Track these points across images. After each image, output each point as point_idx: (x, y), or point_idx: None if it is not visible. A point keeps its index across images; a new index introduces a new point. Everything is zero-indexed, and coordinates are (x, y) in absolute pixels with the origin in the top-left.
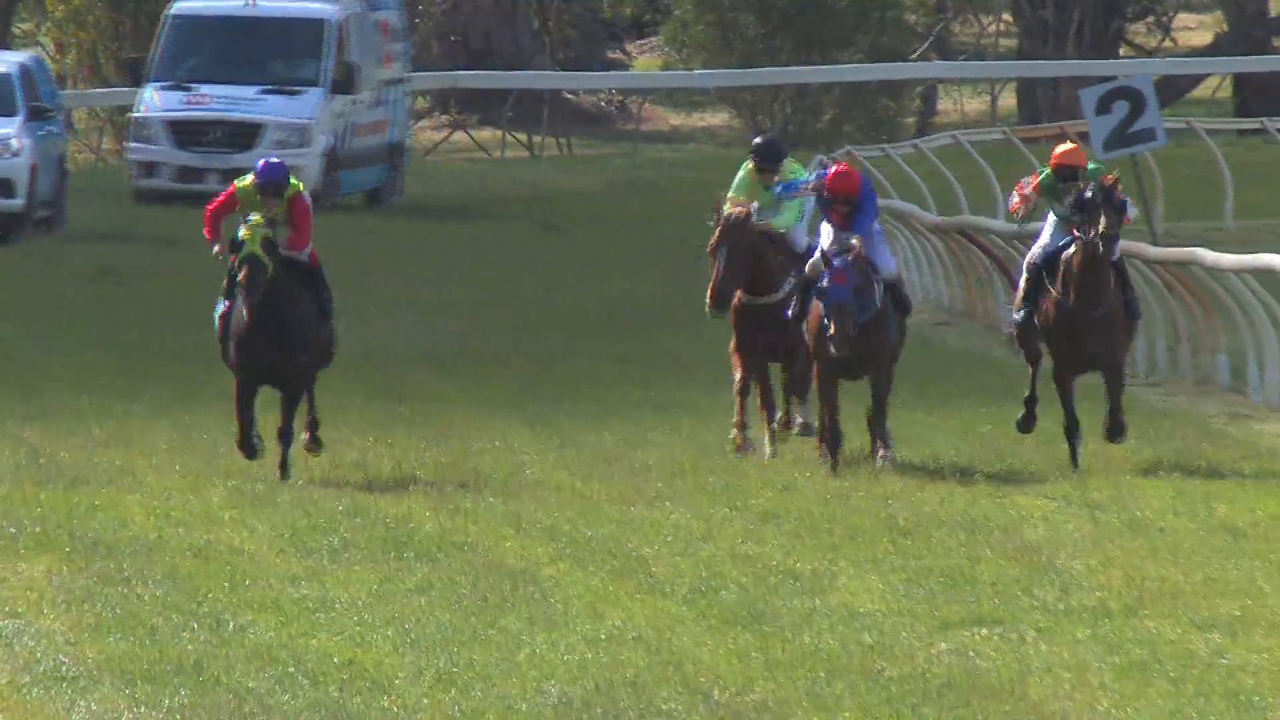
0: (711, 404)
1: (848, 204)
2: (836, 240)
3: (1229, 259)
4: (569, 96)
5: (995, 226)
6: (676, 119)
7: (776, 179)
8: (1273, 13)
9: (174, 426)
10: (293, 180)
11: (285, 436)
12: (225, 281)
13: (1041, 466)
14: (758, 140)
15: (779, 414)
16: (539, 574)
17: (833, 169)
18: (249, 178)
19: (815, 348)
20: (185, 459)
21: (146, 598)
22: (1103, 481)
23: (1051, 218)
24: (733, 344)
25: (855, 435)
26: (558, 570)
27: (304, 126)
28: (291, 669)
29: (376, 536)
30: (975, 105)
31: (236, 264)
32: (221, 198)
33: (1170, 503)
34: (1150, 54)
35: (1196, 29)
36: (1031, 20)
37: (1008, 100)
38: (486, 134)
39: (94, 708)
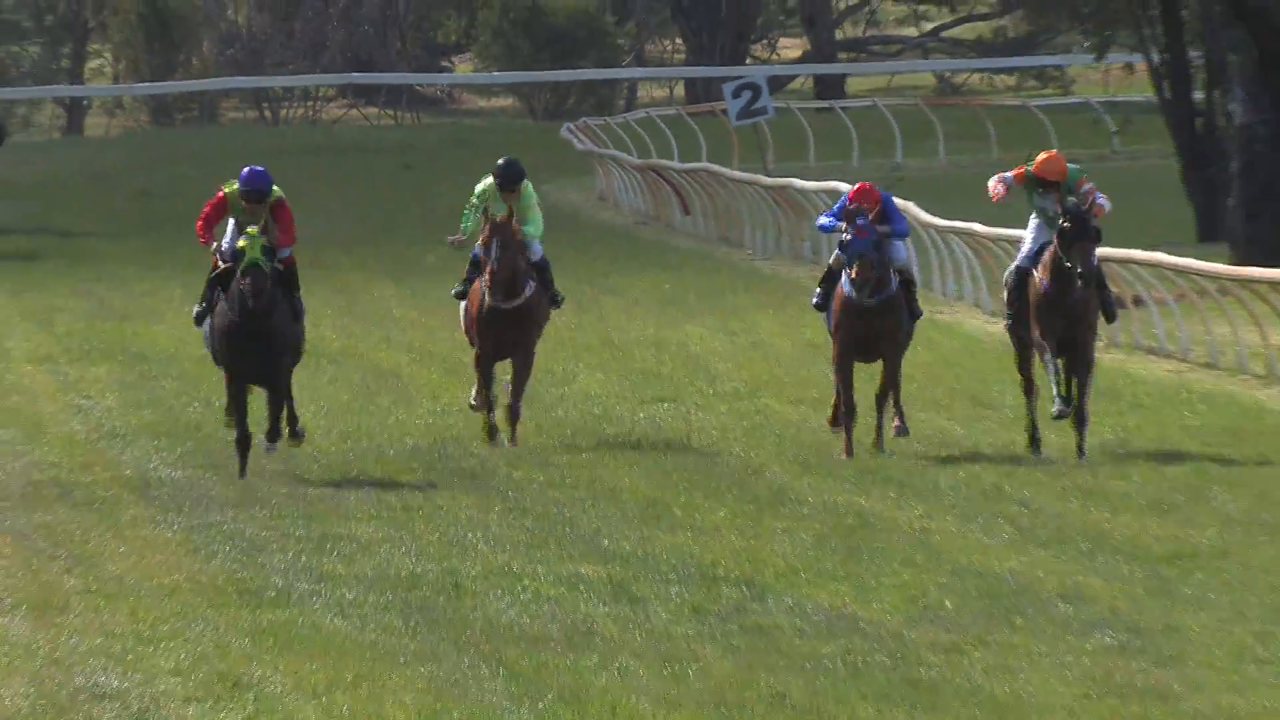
0: None
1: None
2: (855, 205)
3: (811, 184)
4: (418, 88)
5: (672, 165)
6: (483, 102)
7: (514, 196)
8: (839, 37)
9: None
10: (275, 188)
11: (274, 435)
12: (205, 288)
13: (700, 308)
14: (500, 162)
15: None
16: (400, 371)
17: (854, 187)
18: (236, 184)
19: (835, 327)
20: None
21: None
22: (737, 320)
23: (1033, 220)
24: (475, 350)
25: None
26: (412, 369)
27: None
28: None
29: (304, 350)
30: (660, 93)
31: (239, 273)
32: (213, 202)
33: (779, 328)
34: (764, 62)
35: (791, 48)
36: (694, 42)
37: (679, 90)
38: (369, 110)
39: (134, 454)
